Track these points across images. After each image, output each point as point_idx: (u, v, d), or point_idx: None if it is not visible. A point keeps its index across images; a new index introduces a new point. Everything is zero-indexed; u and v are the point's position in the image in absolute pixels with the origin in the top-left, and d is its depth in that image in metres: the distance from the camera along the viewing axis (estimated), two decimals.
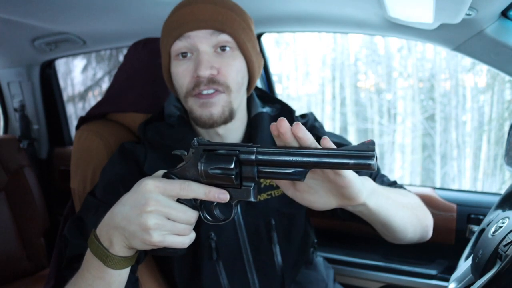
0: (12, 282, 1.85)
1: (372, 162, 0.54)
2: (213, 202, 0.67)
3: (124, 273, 0.69)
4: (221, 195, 0.63)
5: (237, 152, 0.62)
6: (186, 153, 0.67)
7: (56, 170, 2.31)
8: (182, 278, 0.96)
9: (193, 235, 0.67)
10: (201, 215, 0.66)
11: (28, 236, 1.97)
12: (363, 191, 0.67)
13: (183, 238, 0.65)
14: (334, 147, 0.60)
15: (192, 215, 0.64)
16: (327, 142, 0.60)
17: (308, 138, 0.60)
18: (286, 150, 0.60)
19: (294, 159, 0.59)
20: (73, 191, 1.14)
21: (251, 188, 0.63)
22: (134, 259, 0.69)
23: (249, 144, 0.63)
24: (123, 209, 0.64)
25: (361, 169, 0.56)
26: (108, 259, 0.65)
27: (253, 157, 0.61)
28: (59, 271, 1.11)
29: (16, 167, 2.00)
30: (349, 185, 0.63)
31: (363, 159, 0.55)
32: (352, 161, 0.55)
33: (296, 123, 0.60)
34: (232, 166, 0.61)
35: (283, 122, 0.59)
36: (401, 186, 1.02)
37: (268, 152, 0.60)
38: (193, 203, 0.65)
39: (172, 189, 0.62)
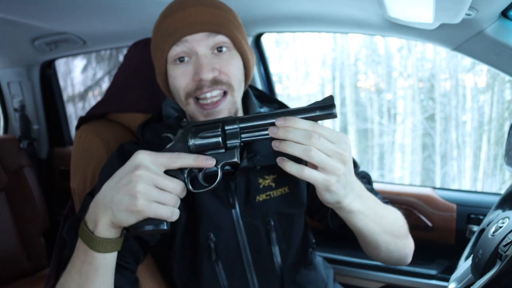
0: (12, 282, 1.85)
1: (334, 111, 0.68)
2: (199, 172, 0.73)
3: (110, 257, 0.70)
4: (209, 161, 0.69)
5: (222, 122, 0.71)
6: (174, 135, 0.74)
7: (56, 170, 2.31)
8: (182, 279, 0.96)
9: (177, 212, 0.69)
10: (187, 185, 0.71)
11: (28, 236, 1.97)
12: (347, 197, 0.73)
13: (167, 208, 0.66)
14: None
15: (178, 183, 0.68)
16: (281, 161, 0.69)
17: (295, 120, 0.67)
18: (263, 114, 0.71)
19: (270, 120, 0.69)
20: (73, 191, 1.14)
21: (235, 149, 0.71)
22: (119, 244, 0.70)
23: (232, 116, 0.73)
24: (111, 182, 0.68)
25: (326, 118, 0.69)
26: (92, 241, 0.68)
27: (236, 125, 0.71)
28: (58, 271, 1.11)
29: (16, 167, 2.00)
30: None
31: (326, 109, 0.68)
32: (318, 112, 0.68)
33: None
34: (219, 131, 0.70)
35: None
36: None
37: (247, 118, 0.71)
38: (180, 176, 0.70)
39: (162, 158, 0.67)
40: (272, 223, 0.95)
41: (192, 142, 0.71)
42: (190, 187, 0.71)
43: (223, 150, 0.71)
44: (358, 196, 0.75)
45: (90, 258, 0.69)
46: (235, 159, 0.71)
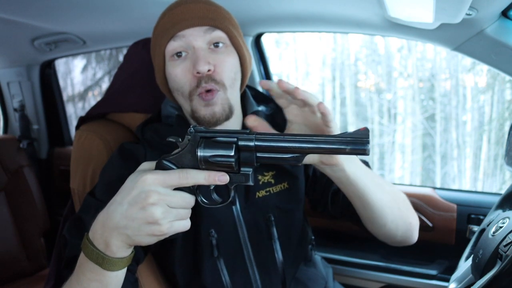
0: (12, 282, 1.85)
1: (367, 147, 0.60)
2: (210, 186, 0.68)
3: (121, 273, 0.69)
4: (221, 177, 0.64)
5: (236, 139, 0.64)
6: (180, 139, 0.67)
7: (56, 170, 2.31)
8: (184, 277, 0.97)
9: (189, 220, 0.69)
10: (198, 199, 0.68)
11: (28, 236, 1.97)
12: None
13: (186, 222, 0.67)
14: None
15: (190, 199, 0.66)
16: (282, 83, 0.74)
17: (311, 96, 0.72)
18: (284, 136, 0.62)
19: (292, 145, 0.62)
20: (73, 191, 1.14)
21: (250, 173, 0.65)
22: (130, 259, 0.69)
23: (247, 131, 0.65)
24: (120, 208, 0.64)
25: (356, 154, 0.61)
26: (105, 262, 0.65)
27: (252, 143, 0.63)
28: (58, 271, 1.11)
29: (16, 167, 1.99)
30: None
31: (358, 144, 0.60)
32: (349, 147, 0.60)
33: (279, 80, 0.72)
34: (233, 153, 0.63)
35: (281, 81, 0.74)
36: None
37: (266, 139, 0.63)
38: (190, 188, 0.66)
39: (171, 179, 0.63)
40: (272, 219, 0.96)
41: (201, 156, 0.64)
42: (205, 201, 0.69)
43: (236, 172, 0.65)
44: (354, 163, 0.81)
45: (101, 277, 0.67)
46: (250, 183, 0.65)
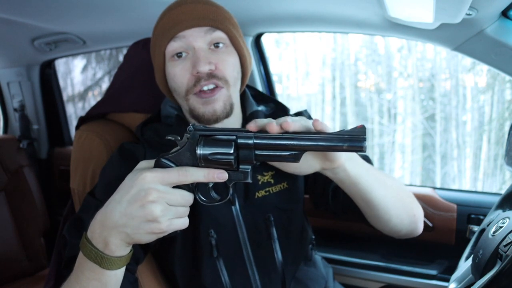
0: (12, 282, 1.85)
1: (364, 144, 0.61)
2: (208, 184, 0.69)
3: (120, 272, 0.69)
4: (220, 175, 0.65)
5: (235, 137, 0.64)
6: (179, 137, 0.68)
7: (56, 170, 2.31)
8: (183, 277, 0.97)
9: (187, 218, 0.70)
10: (197, 197, 0.68)
11: (28, 236, 1.97)
12: (342, 154, 0.75)
13: (184, 219, 0.67)
14: (327, 129, 0.66)
15: (189, 197, 0.67)
16: (319, 125, 0.66)
17: (300, 125, 0.67)
18: (282, 134, 0.64)
19: (291, 143, 0.63)
20: (73, 191, 1.14)
21: (248, 170, 0.66)
22: (129, 258, 0.69)
23: (246, 129, 0.66)
24: (120, 207, 0.64)
25: (354, 151, 0.62)
26: (104, 261, 0.66)
27: (251, 141, 0.64)
28: (58, 271, 1.11)
29: (16, 167, 1.99)
30: None
31: (355, 142, 0.61)
32: (346, 144, 0.61)
33: (284, 121, 0.65)
34: (232, 151, 0.63)
35: (272, 125, 0.65)
36: None
37: (265, 137, 0.64)
38: (189, 186, 0.67)
39: (170, 177, 0.64)
40: (272, 219, 0.96)
41: (200, 154, 0.64)
42: (204, 199, 0.69)
43: (235, 170, 0.66)
44: (354, 161, 0.81)
45: (100, 276, 0.67)
46: (248, 180, 0.66)
